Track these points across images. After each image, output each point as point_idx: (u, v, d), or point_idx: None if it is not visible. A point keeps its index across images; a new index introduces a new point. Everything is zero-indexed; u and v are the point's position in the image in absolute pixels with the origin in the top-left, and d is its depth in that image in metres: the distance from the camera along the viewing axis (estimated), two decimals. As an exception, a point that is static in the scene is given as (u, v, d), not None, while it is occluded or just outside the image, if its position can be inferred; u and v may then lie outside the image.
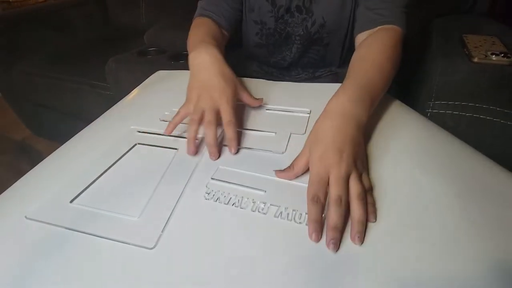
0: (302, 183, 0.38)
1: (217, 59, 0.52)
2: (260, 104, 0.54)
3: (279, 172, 0.40)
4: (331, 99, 0.44)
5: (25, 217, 0.36)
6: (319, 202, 0.34)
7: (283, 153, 0.44)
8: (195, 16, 0.69)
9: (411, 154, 0.42)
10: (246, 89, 0.54)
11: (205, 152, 0.45)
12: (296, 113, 0.53)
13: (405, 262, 0.30)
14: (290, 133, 0.48)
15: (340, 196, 0.34)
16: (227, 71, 0.52)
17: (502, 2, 1.05)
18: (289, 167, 0.40)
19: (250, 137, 0.48)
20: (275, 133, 0.48)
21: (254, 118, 0.52)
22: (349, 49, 0.70)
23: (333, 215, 0.32)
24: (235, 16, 0.70)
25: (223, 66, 0.52)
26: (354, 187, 0.35)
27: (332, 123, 0.40)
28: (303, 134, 0.47)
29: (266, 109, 0.55)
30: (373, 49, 0.51)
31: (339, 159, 0.36)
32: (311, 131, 0.41)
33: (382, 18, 0.54)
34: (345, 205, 0.34)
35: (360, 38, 0.58)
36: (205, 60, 0.52)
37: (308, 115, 0.52)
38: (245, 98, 0.53)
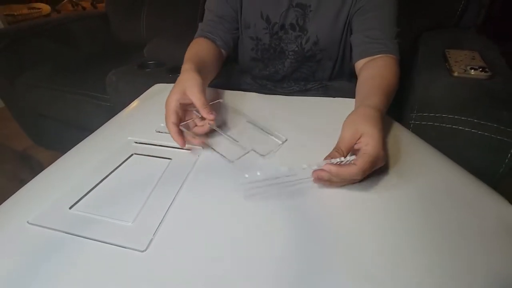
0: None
1: (186, 72, 0.53)
2: (210, 119, 0.50)
3: (330, 164, 0.40)
4: (366, 99, 0.50)
5: (27, 222, 0.39)
6: (362, 178, 0.40)
7: (232, 162, 0.46)
8: (195, 37, 0.73)
9: (388, 162, 0.45)
10: (203, 93, 0.50)
11: (197, 162, 0.48)
12: (272, 137, 0.53)
13: (375, 261, 0.32)
14: (252, 149, 0.49)
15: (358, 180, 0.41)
16: (187, 76, 0.52)
17: (496, 16, 1.09)
18: (336, 151, 0.42)
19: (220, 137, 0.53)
20: (238, 142, 0.51)
21: (232, 126, 0.56)
22: (340, 65, 0.74)
23: (338, 179, 0.40)
24: (232, 35, 0.74)
25: (186, 74, 0.52)
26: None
27: (375, 113, 0.46)
28: (262, 156, 0.48)
29: (247, 121, 0.57)
30: (381, 69, 0.58)
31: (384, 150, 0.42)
32: (357, 114, 0.46)
33: (382, 47, 0.61)
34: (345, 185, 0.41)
35: (360, 63, 0.63)
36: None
37: (281, 143, 0.51)
38: (197, 100, 0.49)
